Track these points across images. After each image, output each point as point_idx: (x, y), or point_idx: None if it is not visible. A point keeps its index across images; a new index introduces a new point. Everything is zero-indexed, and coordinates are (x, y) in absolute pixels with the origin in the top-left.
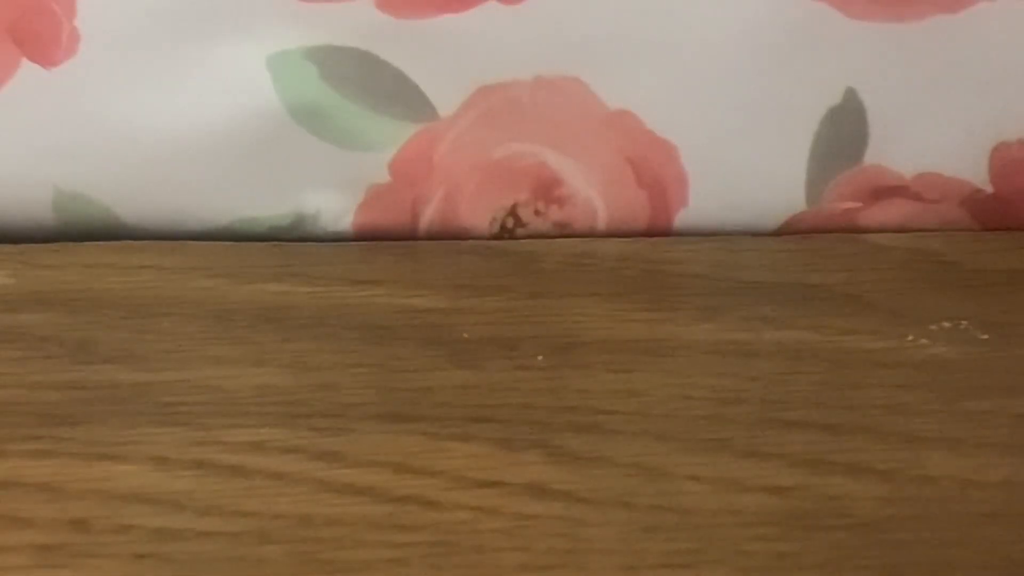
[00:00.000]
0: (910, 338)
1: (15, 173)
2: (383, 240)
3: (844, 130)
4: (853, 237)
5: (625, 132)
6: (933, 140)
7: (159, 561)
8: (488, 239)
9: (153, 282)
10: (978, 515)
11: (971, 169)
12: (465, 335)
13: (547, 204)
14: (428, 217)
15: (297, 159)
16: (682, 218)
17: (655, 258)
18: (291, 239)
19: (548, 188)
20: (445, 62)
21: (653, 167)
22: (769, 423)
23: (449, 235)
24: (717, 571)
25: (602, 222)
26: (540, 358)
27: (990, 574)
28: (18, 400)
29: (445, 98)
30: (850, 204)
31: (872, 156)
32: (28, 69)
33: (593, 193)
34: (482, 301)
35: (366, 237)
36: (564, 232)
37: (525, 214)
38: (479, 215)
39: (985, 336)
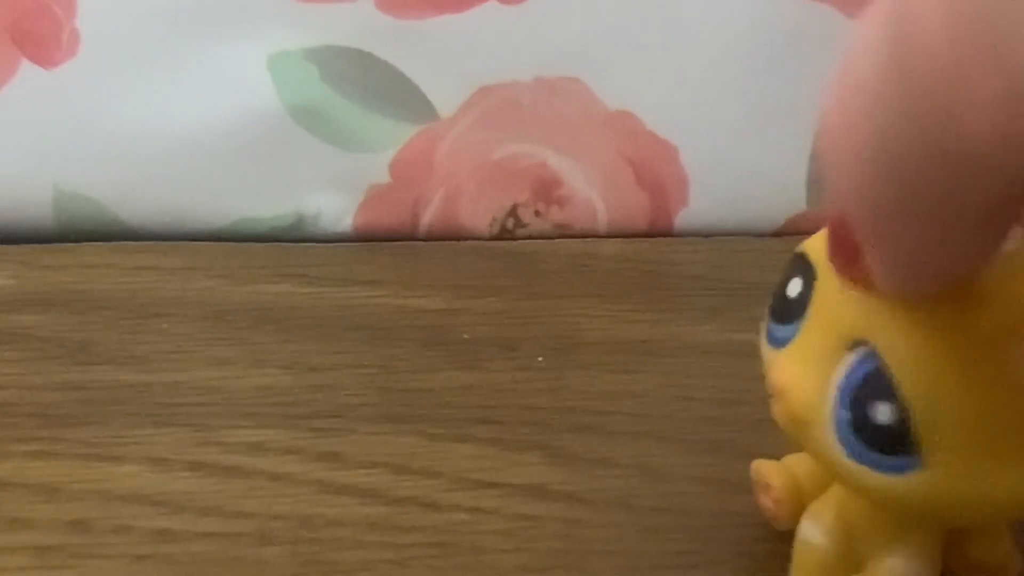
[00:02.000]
0: None
1: (15, 173)
2: (383, 240)
3: None
4: None
5: (625, 132)
6: None
7: (159, 562)
8: (488, 240)
9: (153, 282)
10: None
11: None
12: (465, 335)
13: (547, 205)
14: (428, 217)
15: (297, 159)
16: (682, 218)
17: (655, 258)
18: (291, 239)
19: (548, 189)
20: (445, 63)
21: (653, 167)
22: (769, 423)
23: (449, 235)
24: (717, 572)
25: (602, 222)
26: (540, 359)
27: None
28: (18, 401)
29: (445, 99)
30: None
31: None
32: (28, 70)
33: (593, 193)
34: (482, 301)
35: (366, 237)
36: (564, 233)
37: (525, 215)
38: (479, 216)
39: None
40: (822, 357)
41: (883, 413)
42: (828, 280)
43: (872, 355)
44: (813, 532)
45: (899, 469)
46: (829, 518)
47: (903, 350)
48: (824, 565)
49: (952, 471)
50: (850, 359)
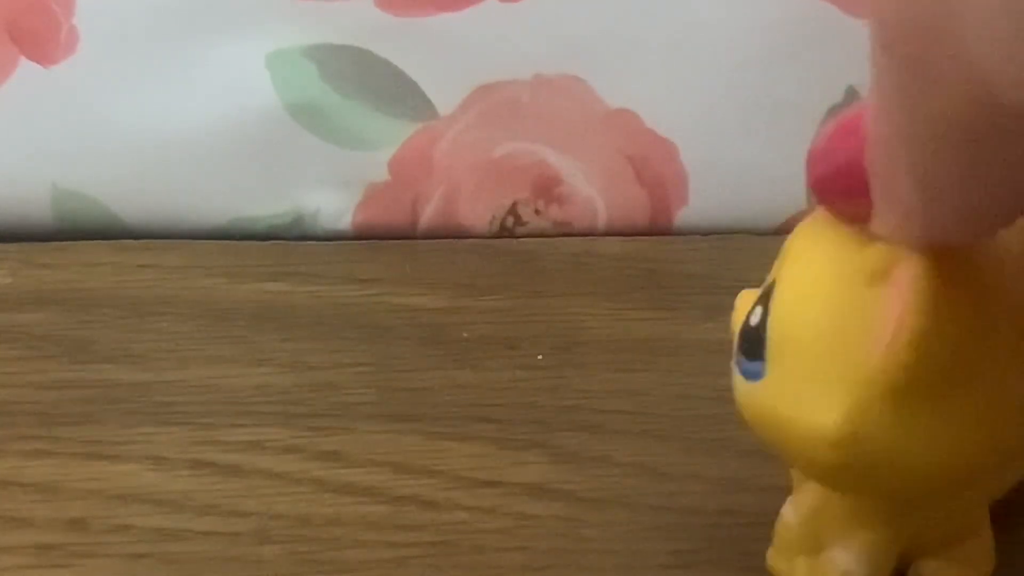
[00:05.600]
0: None
1: (13, 171)
2: (382, 239)
3: None
4: None
5: (625, 130)
6: None
7: (158, 561)
8: (488, 238)
9: (152, 281)
10: None
11: None
12: (465, 334)
13: (547, 203)
14: (428, 216)
15: (296, 158)
16: (682, 217)
17: (655, 257)
18: (290, 238)
19: (548, 187)
20: (444, 60)
21: (653, 165)
22: None
23: (449, 234)
24: (717, 571)
25: (602, 221)
26: (540, 357)
27: None
28: (16, 399)
29: (445, 96)
30: None
31: None
32: (27, 67)
33: (593, 192)
34: (482, 300)
35: (365, 236)
36: (564, 231)
37: (525, 213)
38: (479, 214)
39: None
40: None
41: (755, 315)
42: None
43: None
44: (789, 511)
45: (753, 375)
46: (807, 502)
47: (789, 262)
48: (792, 544)
49: (782, 386)
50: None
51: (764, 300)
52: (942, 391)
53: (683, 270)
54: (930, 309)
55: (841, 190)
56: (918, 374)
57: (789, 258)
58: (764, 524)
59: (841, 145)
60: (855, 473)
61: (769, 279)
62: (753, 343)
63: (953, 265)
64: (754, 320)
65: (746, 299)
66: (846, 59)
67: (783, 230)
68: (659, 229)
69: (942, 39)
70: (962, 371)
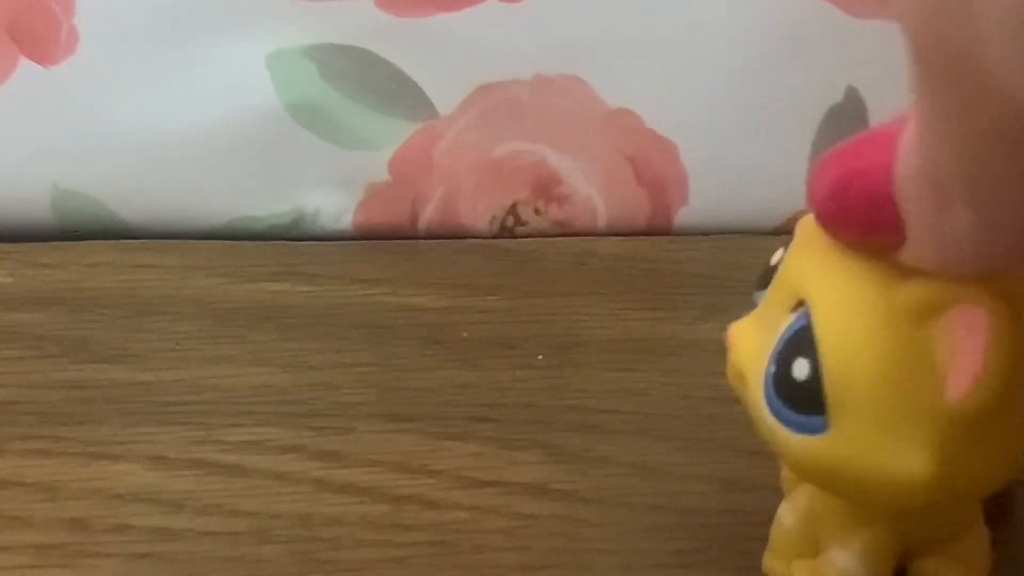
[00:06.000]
0: None
1: (14, 171)
2: (382, 239)
3: (845, 129)
4: None
5: (625, 130)
6: None
7: (158, 561)
8: (488, 238)
9: (152, 281)
10: None
11: None
12: (465, 334)
13: (547, 203)
14: (428, 216)
15: (296, 157)
16: (682, 217)
17: (655, 257)
18: (290, 238)
19: (548, 186)
20: (445, 60)
21: (653, 165)
22: None
23: (449, 234)
24: (717, 571)
25: (602, 220)
26: (540, 357)
27: None
28: (16, 399)
29: (445, 96)
30: None
31: None
32: (27, 67)
33: (593, 191)
34: (482, 300)
35: (365, 236)
36: (564, 231)
37: (525, 213)
38: (479, 214)
39: None
40: (773, 316)
41: (800, 368)
42: (794, 246)
43: (807, 314)
44: (786, 514)
45: (809, 429)
46: (803, 503)
47: (828, 309)
48: (789, 546)
49: (855, 438)
50: (791, 318)
51: (804, 351)
52: (1000, 413)
53: (683, 270)
54: (1004, 344)
55: (861, 227)
56: (991, 404)
57: (818, 299)
58: (764, 524)
59: (853, 182)
60: (937, 502)
61: (763, 305)
62: (805, 396)
63: (1002, 290)
64: (801, 374)
65: (740, 332)
66: (846, 59)
67: (783, 230)
68: (659, 229)
69: (972, 57)
70: (1015, 391)
